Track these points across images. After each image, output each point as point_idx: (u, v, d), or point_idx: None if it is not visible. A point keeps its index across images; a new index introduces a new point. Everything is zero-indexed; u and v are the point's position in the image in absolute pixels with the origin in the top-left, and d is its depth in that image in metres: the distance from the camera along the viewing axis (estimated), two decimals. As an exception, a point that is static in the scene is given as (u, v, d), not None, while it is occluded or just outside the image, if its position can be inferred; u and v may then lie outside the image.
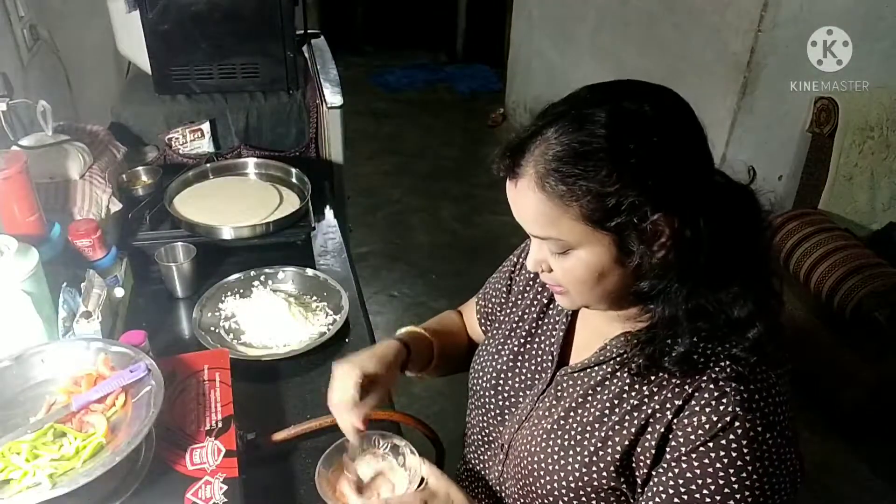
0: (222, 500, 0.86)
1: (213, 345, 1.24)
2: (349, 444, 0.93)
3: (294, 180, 1.74)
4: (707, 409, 0.72)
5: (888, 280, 2.22)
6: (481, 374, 0.98)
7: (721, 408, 0.72)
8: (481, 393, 0.98)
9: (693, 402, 0.73)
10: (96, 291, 1.18)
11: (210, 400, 1.00)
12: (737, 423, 0.71)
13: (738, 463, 0.71)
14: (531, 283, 0.99)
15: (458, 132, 4.86)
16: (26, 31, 1.73)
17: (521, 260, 1.03)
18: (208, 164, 1.78)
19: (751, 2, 2.52)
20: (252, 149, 1.92)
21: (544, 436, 0.85)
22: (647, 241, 0.71)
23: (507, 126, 4.80)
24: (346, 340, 1.31)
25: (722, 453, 0.71)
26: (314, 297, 1.41)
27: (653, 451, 0.76)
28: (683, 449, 0.73)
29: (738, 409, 0.71)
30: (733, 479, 0.71)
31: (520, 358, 0.95)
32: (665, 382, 0.76)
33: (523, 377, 0.94)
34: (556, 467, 0.82)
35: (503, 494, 0.95)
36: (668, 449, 0.75)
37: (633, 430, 0.77)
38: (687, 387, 0.74)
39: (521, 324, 0.97)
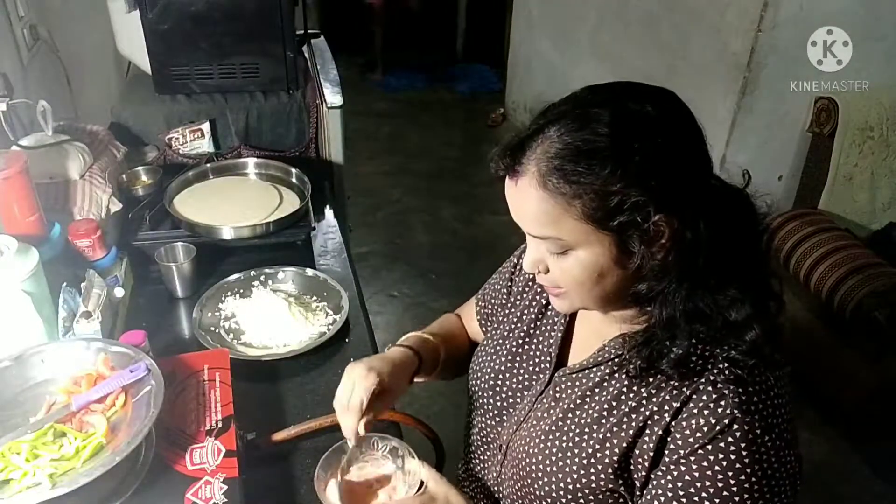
0: (222, 500, 0.86)
1: (213, 345, 1.24)
2: (347, 447, 0.93)
3: (294, 180, 1.74)
4: (705, 412, 0.72)
5: (888, 280, 2.22)
6: (479, 374, 0.98)
7: (719, 410, 0.71)
8: (480, 393, 0.98)
9: (691, 405, 0.73)
10: (96, 291, 1.18)
11: (210, 400, 1.00)
12: (735, 426, 0.71)
13: (737, 465, 0.71)
14: (530, 283, 0.99)
15: (458, 132, 4.87)
16: (26, 31, 1.73)
17: (520, 261, 1.03)
18: (208, 164, 1.78)
19: (751, 2, 2.52)
20: (252, 149, 1.92)
21: (542, 437, 0.85)
22: (647, 241, 0.71)
23: (507, 126, 4.80)
24: (346, 340, 1.31)
25: (721, 456, 0.71)
26: (314, 297, 1.41)
27: (651, 454, 0.75)
28: (682, 451, 0.73)
29: (736, 411, 0.71)
30: (732, 481, 0.71)
31: (518, 359, 0.95)
32: (663, 384, 0.76)
33: (521, 378, 0.94)
34: (554, 468, 0.82)
35: (501, 495, 0.95)
36: (666, 451, 0.75)
37: (631, 431, 0.77)
38: (685, 389, 0.74)
39: (519, 324, 0.97)
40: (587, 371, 0.84)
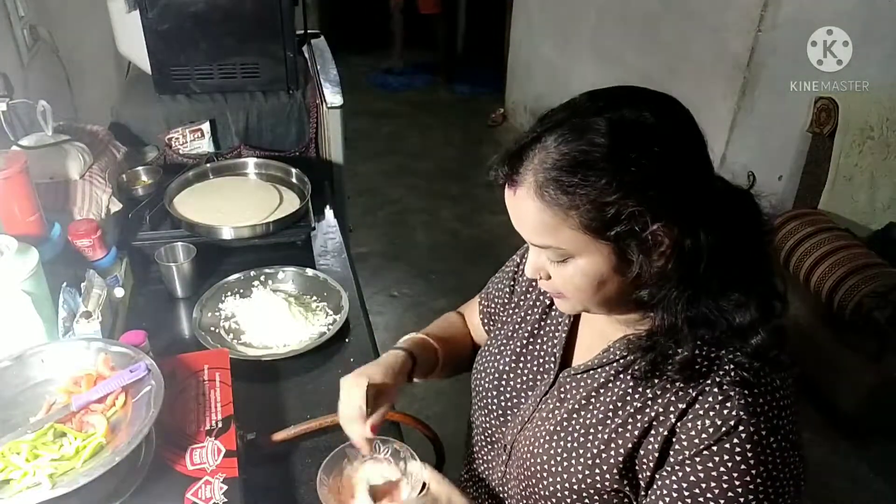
0: (222, 500, 0.86)
1: (213, 345, 1.24)
2: (349, 450, 0.93)
3: (294, 180, 1.74)
4: (711, 413, 0.72)
5: (888, 280, 2.22)
6: (483, 374, 0.98)
7: (725, 412, 0.72)
8: (484, 394, 0.98)
9: (697, 406, 0.73)
10: (96, 291, 1.18)
11: (210, 400, 1.00)
12: (741, 428, 0.71)
13: (742, 467, 0.71)
14: (534, 283, 0.99)
15: (458, 132, 4.87)
16: (26, 31, 1.73)
17: (523, 260, 1.03)
18: (208, 164, 1.78)
19: (751, 2, 2.52)
20: (252, 149, 1.92)
21: (547, 437, 0.85)
22: (646, 250, 0.71)
23: (507, 126, 4.80)
24: (346, 340, 1.31)
25: (726, 457, 0.71)
26: (314, 297, 1.41)
27: (656, 454, 0.76)
28: (687, 452, 0.73)
29: (742, 413, 0.71)
30: (737, 482, 0.71)
31: (522, 359, 0.95)
32: (668, 386, 0.76)
33: (525, 378, 0.94)
34: (559, 469, 0.82)
35: (506, 495, 0.95)
36: (671, 452, 0.75)
37: (636, 432, 0.77)
38: (691, 390, 0.74)
39: (523, 325, 0.97)
40: (592, 372, 0.85)
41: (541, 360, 0.93)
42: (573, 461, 0.81)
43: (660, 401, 0.76)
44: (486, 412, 0.98)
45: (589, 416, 0.82)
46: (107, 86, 2.37)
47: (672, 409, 0.75)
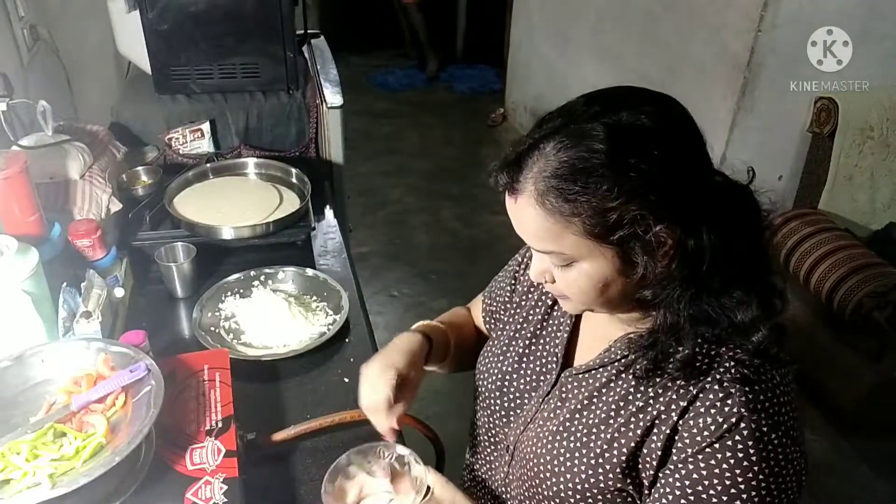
0: (222, 500, 0.86)
1: (213, 345, 1.24)
2: (353, 456, 0.92)
3: (294, 180, 1.74)
4: (712, 411, 0.72)
5: (888, 280, 2.22)
6: (486, 375, 0.98)
7: (726, 409, 0.72)
8: (486, 394, 0.98)
9: (698, 404, 0.74)
10: (96, 291, 1.18)
11: (210, 400, 0.99)
12: (742, 424, 0.71)
13: (745, 463, 0.71)
14: (536, 284, 0.99)
15: (458, 132, 4.87)
16: (26, 31, 1.73)
17: (525, 259, 1.03)
18: (208, 164, 1.78)
19: (751, 2, 2.52)
20: (252, 149, 1.92)
21: (550, 437, 0.85)
22: (650, 252, 0.71)
23: (507, 126, 4.80)
24: (346, 340, 1.31)
25: (728, 454, 0.71)
26: (314, 297, 1.41)
27: (659, 453, 0.76)
28: (690, 450, 0.73)
29: (743, 409, 0.71)
30: (740, 479, 0.71)
31: (525, 360, 0.95)
32: (670, 384, 0.76)
33: (528, 378, 0.94)
34: (562, 469, 0.83)
35: (509, 496, 0.95)
36: (674, 450, 0.75)
37: (638, 431, 0.77)
38: (692, 388, 0.74)
39: (525, 325, 0.97)
40: (594, 371, 0.85)
41: (543, 361, 0.93)
42: (576, 461, 0.81)
43: (661, 399, 0.76)
44: (488, 413, 0.98)
45: (591, 415, 0.82)
46: (107, 86, 2.37)
47: (674, 407, 0.75)
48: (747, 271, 0.74)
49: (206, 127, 1.86)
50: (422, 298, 3.08)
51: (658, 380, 0.77)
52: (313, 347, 1.26)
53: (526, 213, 0.73)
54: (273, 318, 1.31)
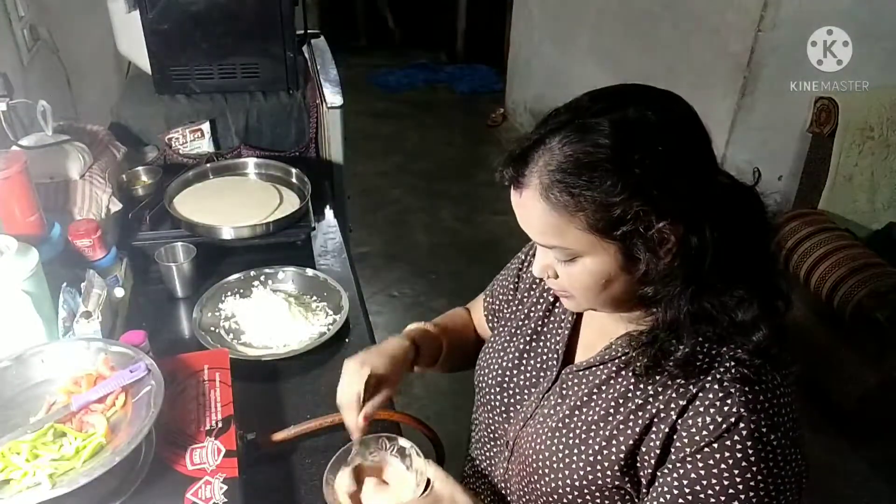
0: (222, 500, 0.86)
1: (213, 345, 1.24)
2: (354, 447, 0.93)
3: (294, 180, 1.74)
4: (711, 410, 0.72)
5: (888, 280, 2.22)
6: (487, 371, 0.99)
7: (725, 409, 0.72)
8: (487, 390, 0.98)
9: (697, 403, 0.74)
10: (96, 291, 1.18)
11: (210, 400, 1.00)
12: (741, 425, 0.71)
13: (744, 464, 0.71)
14: (537, 281, 0.99)
15: (458, 132, 4.87)
16: (26, 31, 1.73)
17: (528, 257, 1.04)
18: (208, 164, 1.78)
19: (751, 2, 2.52)
20: (252, 149, 1.92)
21: (549, 434, 0.85)
22: (653, 248, 0.71)
23: (507, 126, 4.80)
24: (346, 340, 1.31)
25: (727, 454, 0.71)
26: (314, 297, 1.41)
27: (657, 451, 0.76)
28: (688, 450, 0.73)
29: (742, 409, 0.71)
30: (738, 479, 0.71)
31: (525, 356, 0.95)
32: (669, 382, 0.76)
33: (529, 375, 0.94)
34: (561, 465, 0.83)
35: (508, 491, 0.95)
36: (672, 449, 0.75)
37: (637, 429, 0.77)
38: (691, 387, 0.75)
39: (527, 322, 0.97)
40: (594, 368, 0.85)
41: (544, 357, 0.93)
42: (575, 458, 0.82)
43: (661, 398, 0.77)
44: (488, 409, 0.98)
45: (591, 412, 0.82)
46: (107, 86, 2.37)
47: (673, 405, 0.75)
48: (750, 272, 0.74)
49: (206, 127, 1.86)
50: (422, 298, 3.09)
51: (658, 378, 0.77)
52: (313, 347, 1.26)
53: (530, 207, 0.73)
54: (273, 318, 1.31)
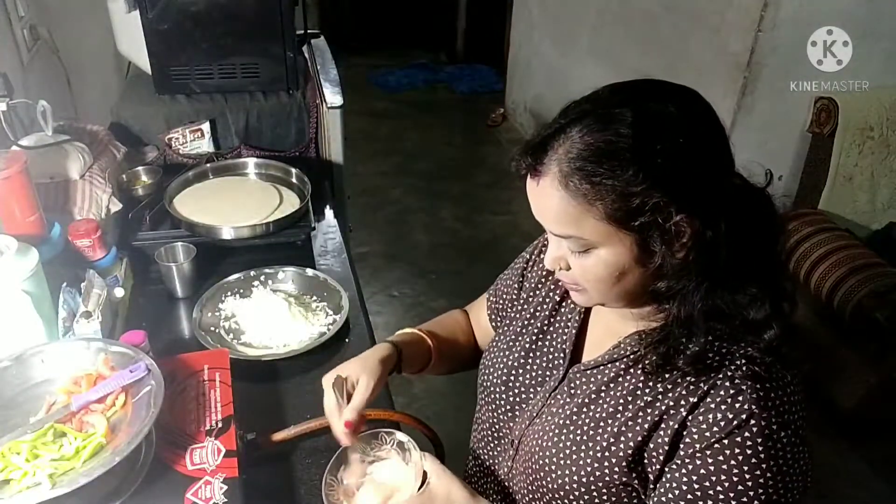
0: (222, 500, 0.86)
1: (213, 345, 1.24)
2: (351, 450, 0.93)
3: (294, 180, 1.74)
4: (723, 407, 0.72)
5: (888, 280, 2.22)
6: (492, 370, 0.99)
7: (737, 405, 0.72)
8: (491, 389, 0.98)
9: (709, 400, 0.74)
10: (96, 291, 1.18)
11: (210, 400, 0.99)
12: (752, 421, 0.71)
13: (753, 461, 0.71)
14: (543, 280, 0.99)
15: (458, 132, 4.87)
16: (26, 31, 1.73)
17: (533, 256, 1.03)
18: (208, 164, 1.78)
19: (751, 2, 2.52)
20: (252, 149, 1.92)
21: (556, 431, 0.85)
22: (669, 241, 0.71)
23: (507, 126, 4.80)
24: (346, 340, 1.31)
25: (737, 451, 0.71)
26: (314, 297, 1.41)
27: (666, 448, 0.76)
28: (698, 445, 0.73)
29: (754, 406, 0.71)
30: (747, 476, 0.71)
31: (531, 355, 0.95)
32: (679, 380, 0.76)
33: (534, 374, 0.94)
34: (568, 462, 0.83)
35: (512, 490, 0.95)
36: (682, 445, 0.75)
37: (646, 425, 0.77)
38: (702, 384, 0.75)
39: (532, 321, 0.97)
40: (602, 367, 0.85)
41: (550, 357, 0.93)
42: (582, 454, 0.81)
43: (670, 395, 0.77)
44: (493, 408, 0.98)
45: (599, 409, 0.82)
46: (107, 86, 2.37)
47: (683, 402, 0.75)
48: (761, 272, 0.74)
49: (206, 127, 1.87)
50: (422, 298, 3.09)
51: (667, 375, 0.77)
52: (313, 347, 1.26)
53: (548, 195, 0.73)
54: (273, 318, 1.31)
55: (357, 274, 1.55)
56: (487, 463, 1.01)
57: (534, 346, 0.95)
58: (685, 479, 0.74)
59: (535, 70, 4.42)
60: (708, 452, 0.73)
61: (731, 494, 0.72)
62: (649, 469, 0.78)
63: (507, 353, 0.98)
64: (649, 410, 0.78)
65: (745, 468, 0.71)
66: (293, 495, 1.00)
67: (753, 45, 2.54)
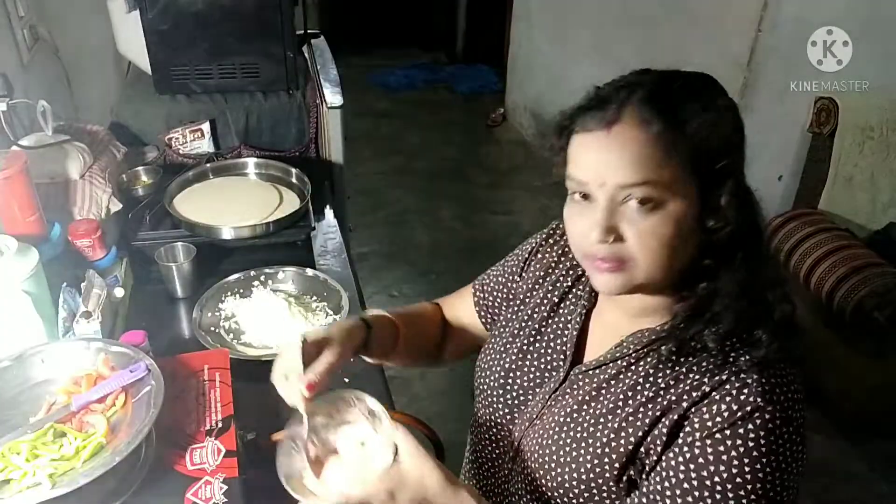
0: (222, 500, 0.86)
1: (213, 345, 1.24)
2: (318, 406, 0.85)
3: (294, 180, 1.74)
4: (728, 399, 0.72)
5: (888, 280, 2.22)
6: (488, 372, 0.98)
7: (742, 398, 0.72)
8: (489, 392, 0.98)
9: (714, 394, 0.74)
10: (96, 291, 1.18)
11: (210, 400, 0.99)
12: (757, 414, 0.71)
13: (754, 453, 0.71)
14: (541, 281, 0.99)
15: (458, 132, 4.86)
16: (26, 31, 1.73)
17: (530, 256, 1.03)
18: (208, 164, 1.78)
19: (751, 2, 2.52)
20: (252, 149, 1.92)
21: (556, 429, 0.85)
22: (730, 202, 0.74)
23: (507, 126, 4.80)
24: (346, 340, 1.31)
25: (739, 442, 0.71)
26: (314, 297, 1.41)
27: (664, 438, 0.76)
28: (698, 434, 0.73)
29: (759, 400, 0.71)
30: (747, 468, 0.71)
31: (528, 356, 0.95)
32: (682, 376, 0.77)
33: (532, 375, 0.94)
34: (568, 459, 0.82)
35: (511, 490, 0.95)
36: (681, 434, 0.75)
37: (647, 420, 0.77)
38: (706, 380, 0.75)
39: (529, 322, 0.97)
40: (604, 367, 0.85)
41: (548, 358, 0.93)
42: (582, 451, 0.81)
43: (672, 390, 0.77)
44: (491, 410, 0.98)
45: (599, 406, 0.82)
46: (107, 86, 2.37)
47: (686, 397, 0.75)
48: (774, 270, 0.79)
49: (206, 127, 1.87)
50: (421, 298, 3.05)
51: (669, 371, 0.77)
52: (313, 347, 1.25)
53: (627, 139, 0.72)
54: (273, 319, 1.31)
55: (357, 274, 1.55)
56: (486, 465, 1.01)
57: (530, 348, 0.95)
58: (682, 468, 0.74)
59: (535, 70, 4.42)
60: (708, 441, 0.72)
61: (729, 486, 0.71)
62: (647, 460, 0.78)
63: (503, 355, 0.97)
64: (650, 406, 0.78)
65: (746, 460, 0.71)
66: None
67: (753, 46, 2.55)
